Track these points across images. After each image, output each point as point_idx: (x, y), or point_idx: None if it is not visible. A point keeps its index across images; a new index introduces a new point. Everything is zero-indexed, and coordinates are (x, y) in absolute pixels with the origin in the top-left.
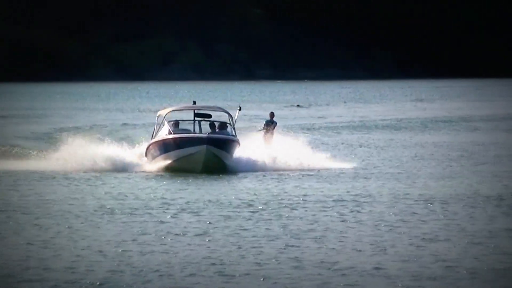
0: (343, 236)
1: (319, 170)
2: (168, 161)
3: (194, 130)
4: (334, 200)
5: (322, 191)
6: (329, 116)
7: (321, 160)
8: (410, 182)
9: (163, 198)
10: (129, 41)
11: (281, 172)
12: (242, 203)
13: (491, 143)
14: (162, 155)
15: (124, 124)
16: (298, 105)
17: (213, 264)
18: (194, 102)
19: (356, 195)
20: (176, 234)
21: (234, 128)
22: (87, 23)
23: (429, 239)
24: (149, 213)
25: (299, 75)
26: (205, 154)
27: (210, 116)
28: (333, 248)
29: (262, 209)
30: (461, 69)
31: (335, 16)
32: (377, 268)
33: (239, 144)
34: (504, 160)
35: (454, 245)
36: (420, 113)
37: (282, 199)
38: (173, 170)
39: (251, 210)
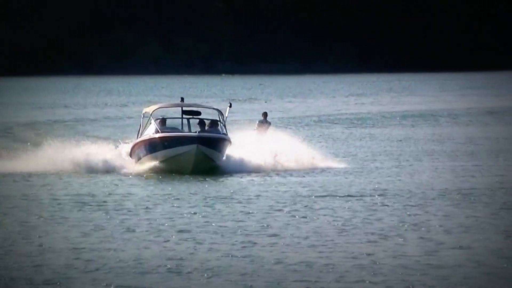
0: (298, 235)
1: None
2: (156, 162)
3: (182, 128)
4: (287, 197)
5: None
6: (288, 110)
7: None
8: (364, 177)
9: (145, 200)
10: (87, 35)
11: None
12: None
13: (448, 137)
14: (149, 155)
15: (80, 120)
16: (265, 102)
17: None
18: (182, 99)
19: (313, 190)
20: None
21: (225, 126)
22: (45, 17)
23: (383, 235)
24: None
25: (260, 69)
26: (195, 154)
27: (199, 113)
28: (288, 245)
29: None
30: (424, 62)
31: (295, 9)
32: (327, 265)
33: (230, 143)
34: (460, 155)
35: (407, 241)
36: (378, 108)
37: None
38: (160, 171)
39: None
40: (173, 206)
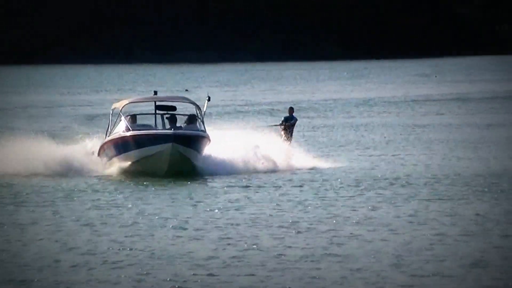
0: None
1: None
2: (127, 163)
3: (156, 125)
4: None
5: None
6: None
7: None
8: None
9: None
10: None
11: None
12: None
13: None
14: (120, 156)
15: None
16: (186, 90)
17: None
18: (155, 92)
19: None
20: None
21: (203, 122)
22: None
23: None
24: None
25: (181, 58)
26: (170, 154)
27: (174, 108)
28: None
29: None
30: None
31: None
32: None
33: (209, 140)
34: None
35: (377, 232)
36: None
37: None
38: (133, 173)
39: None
40: (139, 213)
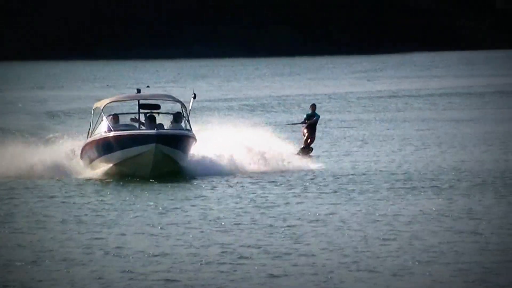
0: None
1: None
2: (110, 164)
3: (139, 125)
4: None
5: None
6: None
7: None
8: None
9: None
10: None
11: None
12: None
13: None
14: (102, 157)
15: None
16: (107, 85)
17: None
18: (138, 90)
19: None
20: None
21: (188, 121)
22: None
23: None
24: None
25: (140, 54)
26: (154, 154)
27: (158, 107)
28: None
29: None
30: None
31: None
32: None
33: (195, 140)
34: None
35: (344, 231)
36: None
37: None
38: (116, 175)
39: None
40: (118, 216)
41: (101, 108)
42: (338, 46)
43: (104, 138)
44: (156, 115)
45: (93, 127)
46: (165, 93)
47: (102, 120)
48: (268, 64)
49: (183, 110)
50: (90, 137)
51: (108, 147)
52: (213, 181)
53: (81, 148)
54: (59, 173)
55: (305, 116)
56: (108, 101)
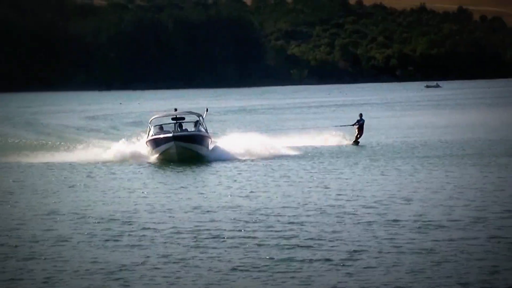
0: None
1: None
2: (157, 155)
3: (175, 130)
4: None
5: None
6: None
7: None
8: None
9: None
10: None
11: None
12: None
13: None
14: (153, 150)
15: None
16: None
17: None
18: (176, 109)
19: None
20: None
21: (203, 125)
22: None
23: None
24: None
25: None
26: (175, 148)
27: (183, 118)
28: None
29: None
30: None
31: None
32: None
33: (210, 138)
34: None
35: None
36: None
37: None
38: (163, 160)
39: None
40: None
41: (150, 120)
42: None
43: (149, 139)
44: (184, 124)
45: (148, 132)
46: (189, 109)
47: (150, 128)
48: None
49: (201, 119)
50: (147, 138)
51: (154, 144)
52: (231, 165)
53: (145, 142)
54: (136, 157)
55: (355, 120)
56: (155, 116)
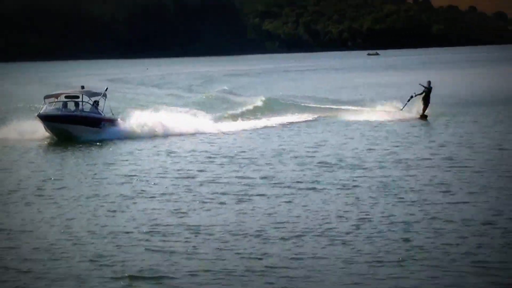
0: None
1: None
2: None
3: (67, 109)
4: None
5: None
6: None
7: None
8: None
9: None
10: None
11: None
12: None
13: None
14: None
15: None
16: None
17: None
18: (82, 87)
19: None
20: None
21: (95, 106)
22: None
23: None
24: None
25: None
26: (48, 128)
27: (77, 97)
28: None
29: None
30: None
31: None
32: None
33: (101, 119)
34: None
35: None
36: None
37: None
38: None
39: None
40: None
41: (44, 98)
42: None
43: (36, 116)
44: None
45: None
46: (88, 89)
47: (45, 104)
48: None
49: (102, 99)
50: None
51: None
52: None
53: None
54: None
55: (423, 88)
56: (47, 94)
